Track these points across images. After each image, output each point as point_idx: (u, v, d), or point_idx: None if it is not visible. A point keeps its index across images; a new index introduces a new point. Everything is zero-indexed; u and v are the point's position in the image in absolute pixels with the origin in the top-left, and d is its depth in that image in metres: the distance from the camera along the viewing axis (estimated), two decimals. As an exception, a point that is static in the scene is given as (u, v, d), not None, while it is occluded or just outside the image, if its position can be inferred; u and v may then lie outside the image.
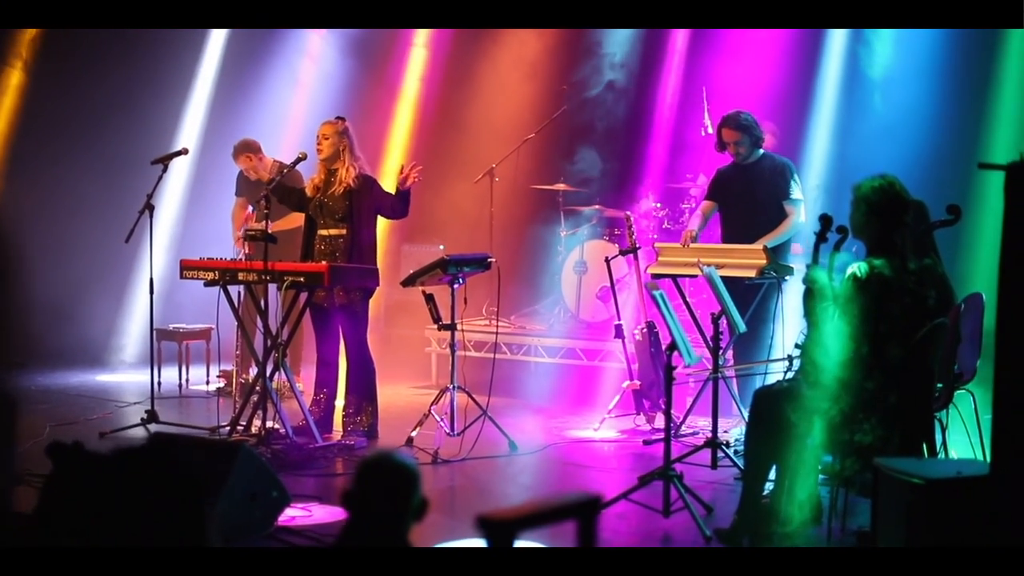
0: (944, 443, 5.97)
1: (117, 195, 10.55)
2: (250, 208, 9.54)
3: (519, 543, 5.47)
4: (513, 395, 9.29)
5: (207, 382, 10.11)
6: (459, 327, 7.73)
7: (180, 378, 10.00)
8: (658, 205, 10.22)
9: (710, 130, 9.80)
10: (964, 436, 6.47)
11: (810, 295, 5.20)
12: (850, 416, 5.11)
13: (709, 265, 7.32)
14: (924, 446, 5.32)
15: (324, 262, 7.57)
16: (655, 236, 9.97)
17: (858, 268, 5.15)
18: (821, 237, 5.32)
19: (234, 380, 9.02)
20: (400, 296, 11.01)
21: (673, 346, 5.95)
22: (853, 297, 5.09)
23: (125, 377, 10.69)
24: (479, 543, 5.48)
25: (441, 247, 11.51)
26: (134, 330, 11.64)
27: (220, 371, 9.88)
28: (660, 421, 8.26)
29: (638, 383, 8.32)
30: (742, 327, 7.17)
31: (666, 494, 5.81)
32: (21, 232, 11.32)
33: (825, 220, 5.31)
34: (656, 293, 6.15)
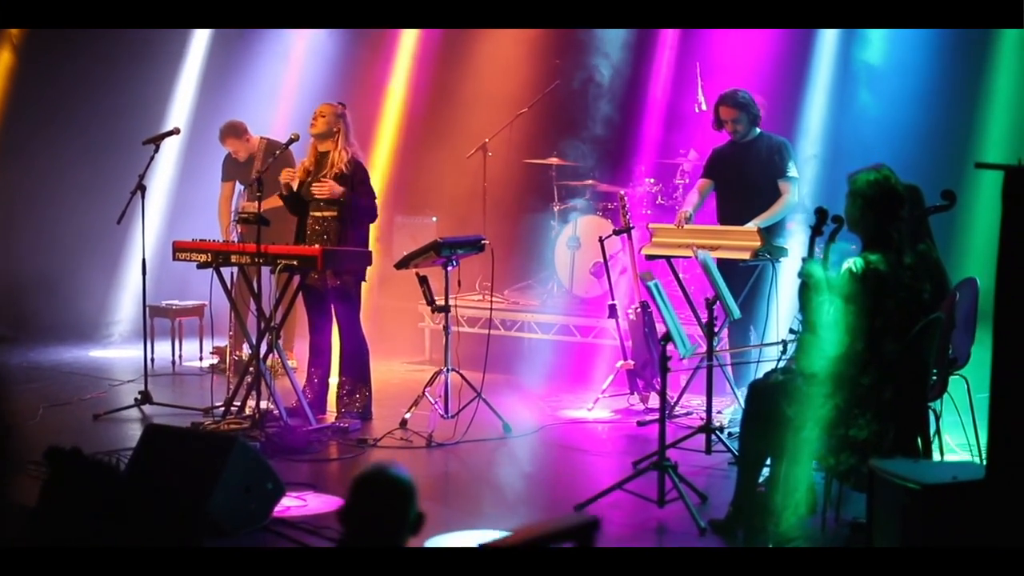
0: (938, 430, 5.98)
1: (108, 174, 10.51)
2: (240, 187, 9.52)
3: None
4: (507, 371, 9.29)
5: (200, 358, 10.10)
6: (452, 302, 7.72)
7: (173, 354, 9.97)
8: (651, 180, 10.19)
9: (704, 107, 9.76)
10: (956, 419, 6.50)
11: (806, 289, 5.17)
12: (845, 411, 5.11)
13: (704, 251, 7.30)
14: (919, 439, 5.33)
15: (317, 244, 7.56)
16: (648, 211, 9.96)
17: (853, 264, 5.13)
18: (816, 230, 5.29)
19: (228, 357, 8.99)
20: (393, 268, 10.99)
21: (668, 337, 5.94)
22: (848, 292, 5.08)
23: (118, 353, 10.65)
24: (474, 536, 5.53)
25: (434, 219, 11.48)
26: (126, 305, 11.59)
27: (214, 347, 9.88)
28: (654, 401, 8.27)
29: (632, 363, 8.32)
30: (736, 313, 7.16)
31: (661, 484, 5.81)
32: (13, 211, 11.33)
33: (820, 213, 5.28)
34: (651, 284, 6.13)
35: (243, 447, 5.55)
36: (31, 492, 5.79)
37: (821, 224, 5.27)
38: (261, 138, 9.48)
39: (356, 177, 7.78)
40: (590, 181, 10.35)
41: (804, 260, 5.23)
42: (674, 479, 5.79)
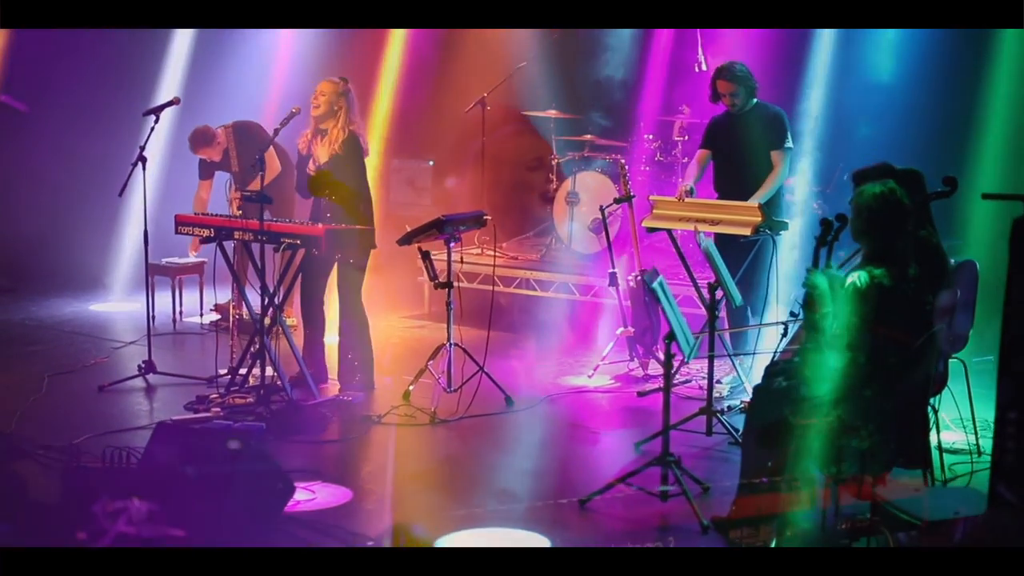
0: (935, 419, 6.05)
1: (102, 141, 10.51)
2: (227, 176, 9.45)
3: (519, 542, 5.60)
4: (507, 329, 9.38)
5: (201, 314, 10.13)
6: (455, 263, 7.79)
7: (174, 312, 10.00)
8: (650, 137, 10.17)
9: (704, 66, 9.74)
10: (950, 397, 6.58)
11: (811, 300, 5.20)
12: (848, 423, 5.17)
13: (707, 239, 7.33)
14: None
15: (321, 224, 7.55)
16: (646, 168, 9.97)
17: (858, 278, 5.17)
18: (821, 241, 5.29)
19: (230, 315, 8.99)
20: (392, 212, 11.00)
21: (672, 336, 5.99)
22: (852, 306, 5.13)
23: (118, 307, 10.69)
24: (479, 535, 5.63)
25: (431, 163, 11.47)
26: (125, 260, 11.57)
27: (215, 303, 9.89)
28: (653, 367, 8.36)
29: (631, 330, 8.38)
30: (738, 300, 7.20)
31: (664, 480, 5.89)
32: (11, 170, 11.31)
33: (825, 224, 5.30)
34: (655, 284, 6.16)
35: (254, 447, 5.62)
36: (42, 483, 5.92)
37: (826, 235, 5.27)
38: (225, 128, 9.37)
39: (347, 159, 7.72)
40: (589, 136, 10.30)
41: (809, 271, 5.25)
42: (677, 474, 5.87)
